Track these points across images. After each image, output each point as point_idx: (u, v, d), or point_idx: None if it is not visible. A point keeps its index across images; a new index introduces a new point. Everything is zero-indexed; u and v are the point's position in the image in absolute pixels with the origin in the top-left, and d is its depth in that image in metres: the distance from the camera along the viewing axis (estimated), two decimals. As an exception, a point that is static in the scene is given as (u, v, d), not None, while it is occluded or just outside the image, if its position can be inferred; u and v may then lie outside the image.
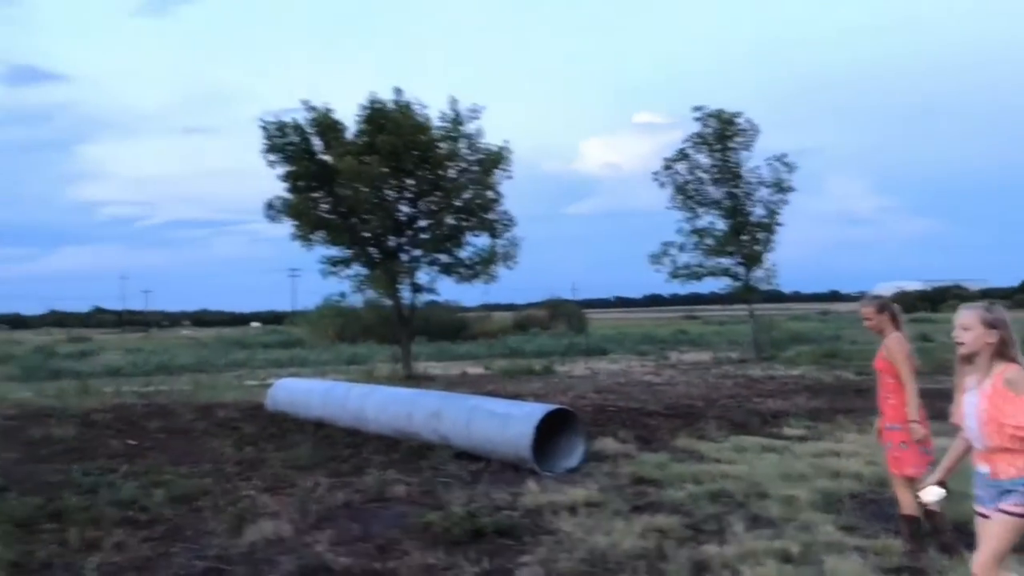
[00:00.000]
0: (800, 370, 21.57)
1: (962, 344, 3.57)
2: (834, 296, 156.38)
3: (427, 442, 9.85)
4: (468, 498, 7.36)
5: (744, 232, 26.89)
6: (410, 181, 20.48)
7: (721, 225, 27.23)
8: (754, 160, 26.96)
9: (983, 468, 3.54)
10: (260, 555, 5.95)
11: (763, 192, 26.88)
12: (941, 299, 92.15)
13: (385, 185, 20.14)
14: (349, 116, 20.51)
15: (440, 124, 20.52)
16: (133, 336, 72.82)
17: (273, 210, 20.45)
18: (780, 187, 26.66)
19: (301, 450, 10.00)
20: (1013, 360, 3.49)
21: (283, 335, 49.83)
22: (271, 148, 20.01)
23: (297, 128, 20.09)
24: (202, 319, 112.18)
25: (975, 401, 3.52)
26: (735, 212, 26.88)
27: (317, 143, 20.28)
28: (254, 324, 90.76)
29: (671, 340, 40.81)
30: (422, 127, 19.99)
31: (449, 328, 45.47)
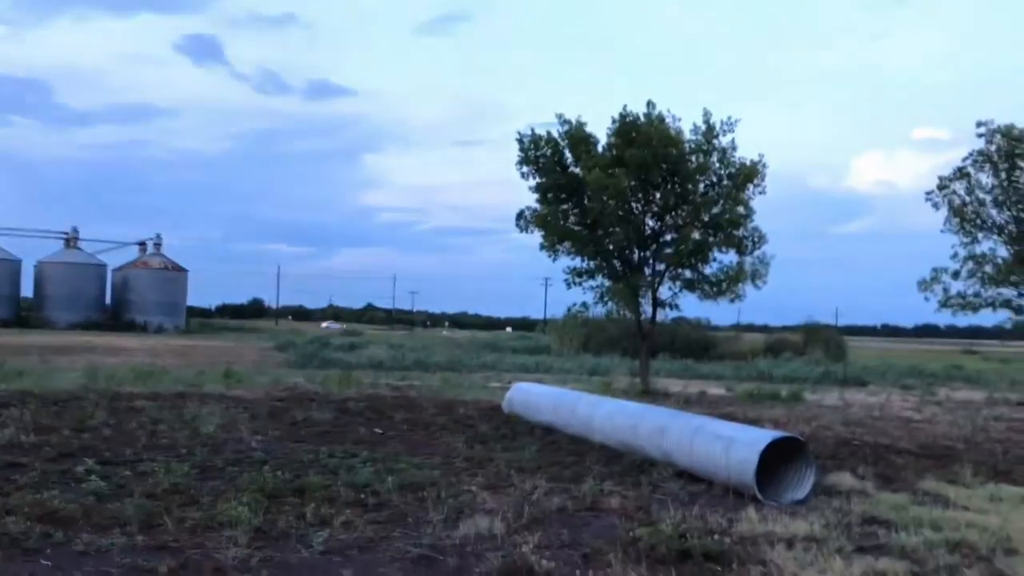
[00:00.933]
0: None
1: None
2: None
3: (650, 458, 9.75)
4: (681, 518, 7.19)
5: (1031, 261, 24.17)
6: (657, 194, 20.37)
7: (1003, 252, 24.67)
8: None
9: None
10: (470, 549, 6.19)
11: (1055, 217, 24.03)
12: None
13: (632, 198, 20.17)
14: (602, 130, 20.78)
15: (692, 137, 20.25)
16: (398, 333, 78.22)
17: (523, 220, 21.13)
18: (1078, 213, 23.69)
19: (527, 452, 10.28)
20: None
21: (532, 341, 51.42)
22: (524, 160, 20.70)
23: (550, 141, 20.63)
24: (461, 321, 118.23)
25: None
26: (1021, 238, 24.23)
27: (568, 156, 20.71)
28: (508, 329, 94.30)
29: (942, 375, 37.41)
30: (673, 140, 19.82)
31: (696, 346, 44.67)
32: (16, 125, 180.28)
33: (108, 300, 67.08)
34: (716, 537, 6.53)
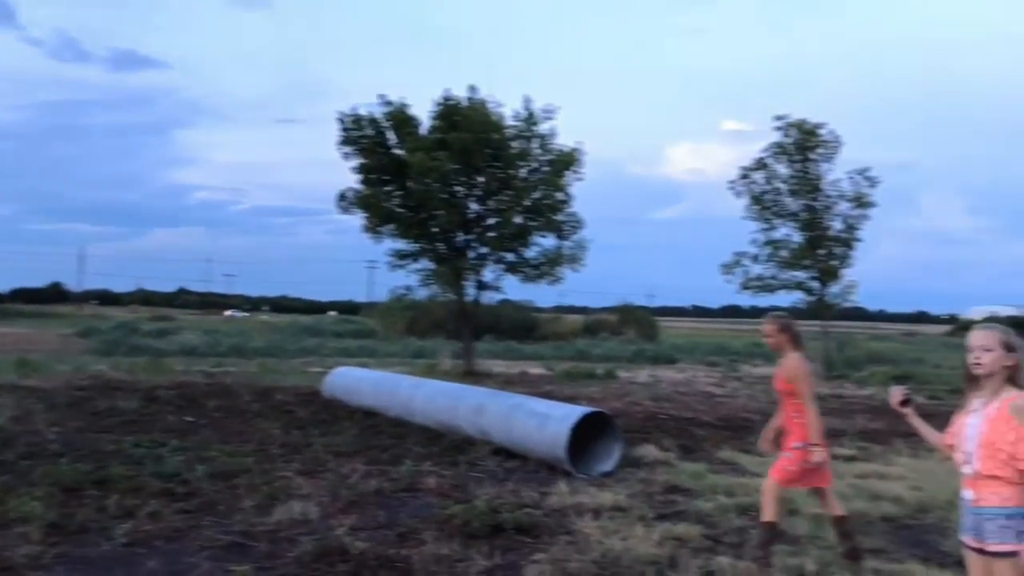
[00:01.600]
0: (870, 390, 20.97)
1: (979, 365, 3.44)
2: (922, 317, 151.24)
3: (469, 437, 9.92)
4: (496, 494, 7.39)
5: (821, 246, 26.26)
6: (480, 178, 20.61)
7: (797, 238, 26.67)
8: (835, 173, 26.32)
9: (968, 494, 3.41)
10: (284, 534, 6.10)
11: (843, 206, 26.22)
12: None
13: (455, 181, 20.31)
14: (425, 112, 20.77)
15: (513, 123, 20.61)
16: (213, 318, 75.09)
17: (345, 201, 20.82)
18: (861, 202, 25.95)
19: (345, 437, 10.20)
20: (1022, 388, 3.36)
21: (356, 325, 50.73)
22: (346, 140, 20.39)
23: (372, 121, 20.42)
24: (281, 305, 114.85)
25: (976, 423, 3.40)
26: (812, 225, 26.27)
27: (391, 137, 20.58)
28: (331, 313, 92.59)
29: (744, 353, 40.07)
30: (495, 125, 20.10)
31: (519, 327, 45.60)
32: None
33: None
34: (528, 510, 6.75)
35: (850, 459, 9.76)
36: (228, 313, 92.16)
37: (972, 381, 3.48)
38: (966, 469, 3.45)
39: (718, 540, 6.11)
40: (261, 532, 6.14)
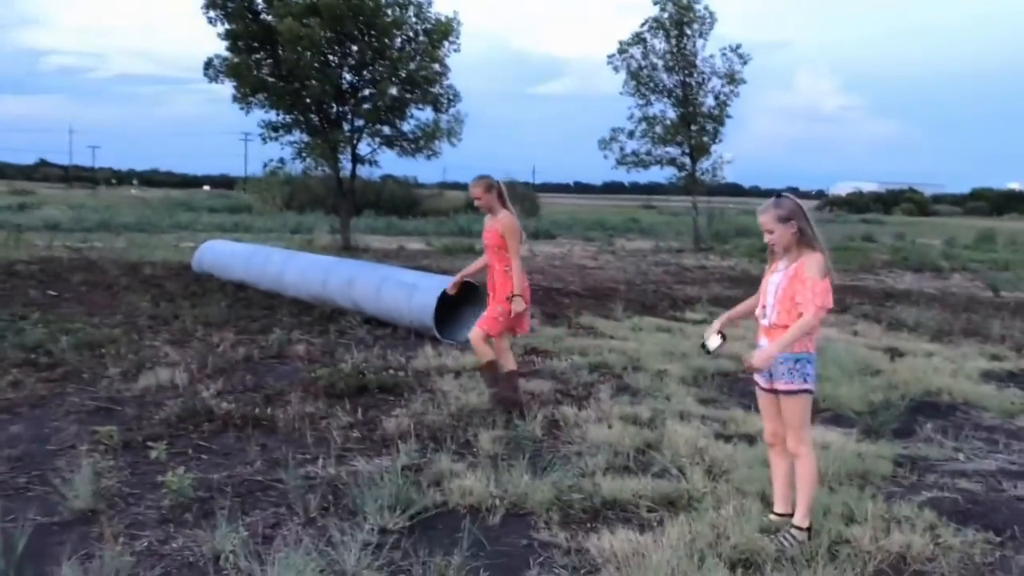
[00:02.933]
0: (732, 261, 22.13)
1: (772, 244, 3.86)
2: (793, 193, 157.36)
3: (341, 308, 10.13)
4: (363, 359, 7.69)
5: (693, 122, 26.98)
6: (354, 48, 20.10)
7: (671, 114, 27.29)
8: (710, 49, 26.83)
9: (763, 342, 3.89)
10: (149, 399, 6.25)
11: (715, 83, 26.88)
12: (895, 202, 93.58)
13: (328, 50, 19.75)
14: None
15: (388, -10, 20.01)
16: (79, 192, 71.40)
17: (212, 70, 20.01)
18: (732, 79, 26.63)
19: (215, 308, 10.25)
20: (815, 249, 3.79)
21: (232, 200, 49.28)
22: (211, 4, 19.41)
23: (239, -16, 19.45)
24: (152, 179, 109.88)
25: (778, 280, 3.84)
26: (686, 101, 26.88)
27: (259, 2, 19.70)
28: (205, 188, 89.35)
29: (621, 228, 41.21)
30: (368, -8, 19.48)
31: (401, 204, 45.36)
32: None
33: None
34: (392, 372, 7.10)
35: (700, 322, 10.48)
36: (135, 191, 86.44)
37: (774, 252, 3.92)
38: (763, 320, 3.91)
39: (567, 394, 6.63)
40: (128, 398, 6.28)
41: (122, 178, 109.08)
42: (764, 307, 3.91)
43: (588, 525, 4.07)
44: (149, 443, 5.12)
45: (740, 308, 4.18)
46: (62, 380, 6.72)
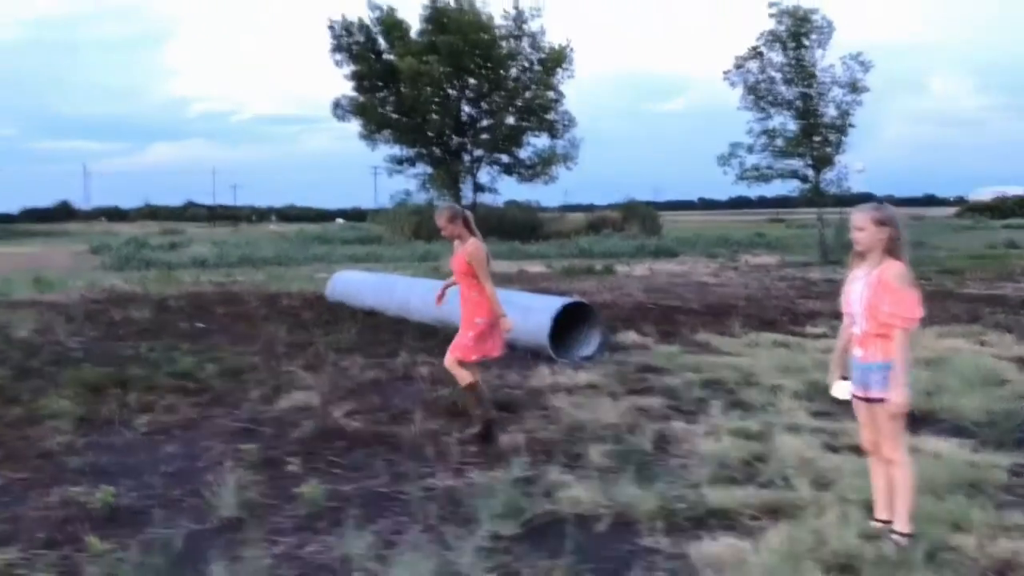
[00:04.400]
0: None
1: (858, 243, 3.96)
2: (930, 200, 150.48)
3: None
4: (482, 379, 8.03)
5: (815, 134, 26.46)
6: (472, 81, 20.80)
7: (792, 126, 26.84)
8: (829, 58, 26.28)
9: (857, 352, 3.97)
10: (287, 419, 6.78)
11: (836, 92, 26.30)
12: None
13: (447, 84, 20.52)
14: (414, 16, 20.83)
15: (502, 23, 20.65)
16: (223, 230, 75.71)
17: (340, 109, 21.10)
18: (855, 87, 26.00)
19: (346, 335, 10.86)
20: (899, 258, 3.87)
21: (363, 232, 51.22)
22: (337, 47, 20.53)
23: (362, 27, 20.49)
24: (289, 215, 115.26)
25: (860, 289, 3.93)
26: (807, 113, 26.40)
27: (382, 43, 20.68)
28: (338, 220, 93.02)
29: (746, 243, 40.52)
30: (483, 26, 20.16)
31: (523, 228, 45.93)
32: None
33: None
34: (508, 390, 7.42)
35: (820, 336, 10.35)
36: (273, 227, 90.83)
37: (859, 256, 4.01)
38: (855, 329, 4.00)
39: (679, 410, 6.77)
40: (267, 419, 6.82)
41: (262, 214, 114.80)
42: (851, 315, 4.00)
43: (691, 532, 4.23)
44: (286, 459, 5.59)
45: (842, 339, 4.21)
46: (209, 404, 7.36)
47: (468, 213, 6.28)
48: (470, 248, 6.08)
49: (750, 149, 27.11)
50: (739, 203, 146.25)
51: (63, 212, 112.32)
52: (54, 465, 5.65)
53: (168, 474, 5.46)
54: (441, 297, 6.83)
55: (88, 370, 8.50)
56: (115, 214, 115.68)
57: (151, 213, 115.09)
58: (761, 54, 26.62)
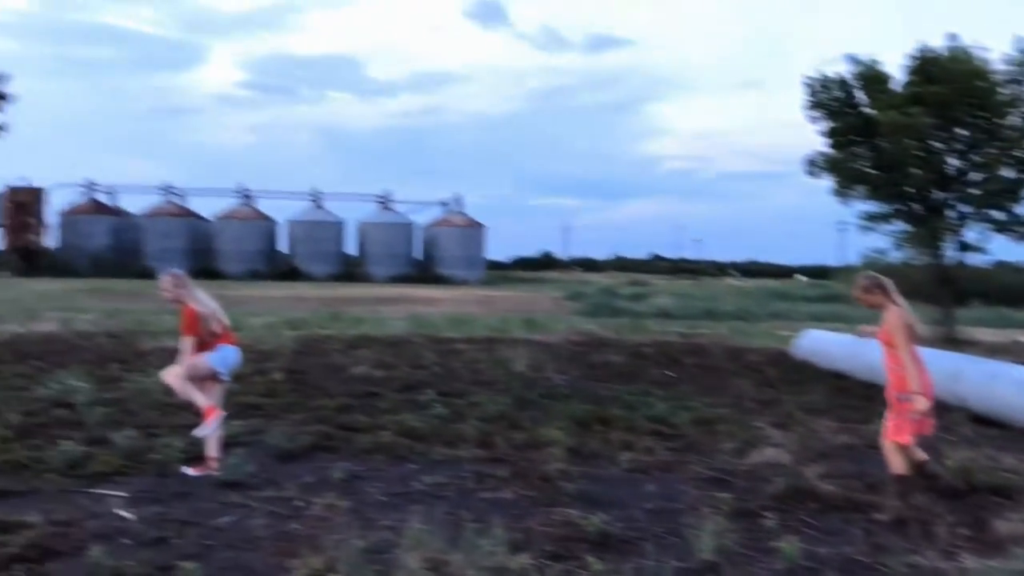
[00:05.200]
0: None
1: None
2: None
3: (943, 403, 9.76)
4: (970, 457, 7.40)
5: None
6: (961, 131, 19.18)
7: None
8: None
9: None
10: (758, 474, 6.91)
11: None
12: None
13: (932, 137, 19.17)
14: (896, 67, 19.86)
15: (1002, 68, 18.78)
16: (684, 283, 78.36)
17: (813, 165, 20.79)
18: None
19: (815, 396, 10.69)
20: None
21: (826, 289, 49.49)
22: (814, 104, 20.31)
23: (840, 83, 20.06)
24: (749, 269, 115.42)
25: None
26: None
27: (860, 97, 20.03)
28: (797, 276, 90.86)
29: None
30: (979, 73, 18.52)
31: (1015, 292, 40.83)
32: (334, 100, 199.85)
33: (417, 255, 73.58)
34: (1005, 474, 6.73)
35: None
36: (733, 281, 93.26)
37: None
38: None
39: None
40: (739, 471, 7.03)
41: (721, 268, 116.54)
42: None
43: None
44: (761, 512, 5.73)
45: None
46: (683, 450, 7.78)
47: (887, 281, 6.07)
48: (891, 317, 5.87)
49: None
50: None
51: (545, 261, 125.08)
52: (552, 487, 6.43)
53: (649, 511, 5.91)
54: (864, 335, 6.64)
55: (576, 405, 9.49)
56: (588, 264, 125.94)
57: (620, 264, 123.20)
58: None
